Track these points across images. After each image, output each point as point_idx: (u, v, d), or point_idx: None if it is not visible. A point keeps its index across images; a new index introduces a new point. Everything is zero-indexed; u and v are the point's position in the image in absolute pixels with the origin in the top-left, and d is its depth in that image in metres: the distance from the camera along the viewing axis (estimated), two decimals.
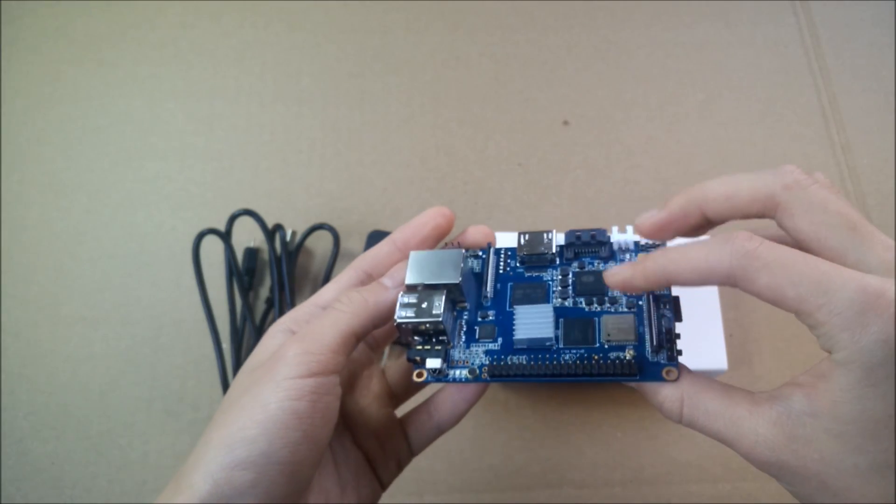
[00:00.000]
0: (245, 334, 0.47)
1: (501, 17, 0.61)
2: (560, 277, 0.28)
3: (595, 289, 0.27)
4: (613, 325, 0.26)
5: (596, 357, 0.26)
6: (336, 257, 0.49)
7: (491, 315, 0.28)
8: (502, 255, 0.30)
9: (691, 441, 0.45)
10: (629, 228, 0.29)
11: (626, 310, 0.27)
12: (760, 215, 0.24)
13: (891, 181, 0.53)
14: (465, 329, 0.28)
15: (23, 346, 0.48)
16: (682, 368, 0.25)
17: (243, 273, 0.49)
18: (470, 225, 0.31)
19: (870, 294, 0.20)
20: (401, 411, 0.33)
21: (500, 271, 0.30)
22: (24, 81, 0.58)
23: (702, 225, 0.26)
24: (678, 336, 0.25)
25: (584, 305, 0.27)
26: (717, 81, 0.58)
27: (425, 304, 0.27)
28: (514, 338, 0.27)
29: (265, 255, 0.50)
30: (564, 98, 0.58)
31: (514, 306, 0.28)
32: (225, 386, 0.45)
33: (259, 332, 0.47)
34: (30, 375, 0.47)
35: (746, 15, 0.61)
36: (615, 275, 0.25)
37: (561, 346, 0.26)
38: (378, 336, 0.32)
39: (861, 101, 0.57)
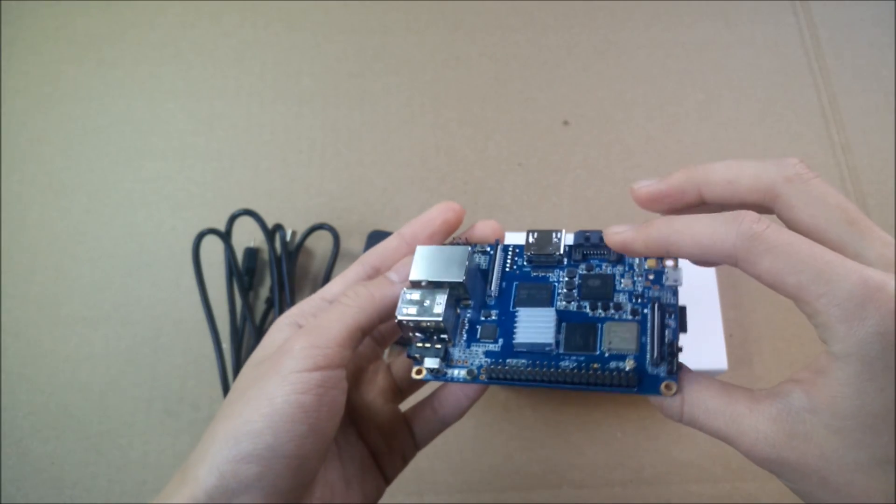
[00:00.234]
0: (245, 334, 0.47)
1: (501, 17, 0.61)
2: (566, 279, 0.28)
3: (601, 293, 0.27)
4: (615, 334, 0.26)
5: (595, 365, 0.25)
6: (336, 257, 0.49)
7: (494, 314, 0.28)
8: (510, 253, 0.30)
9: (691, 441, 0.45)
10: None
11: (630, 317, 0.26)
12: (758, 204, 0.24)
13: (891, 181, 0.53)
14: (467, 327, 0.28)
15: (23, 346, 0.48)
16: (682, 376, 0.25)
17: (243, 273, 0.49)
18: (472, 224, 0.31)
19: (870, 287, 0.20)
20: (405, 405, 0.33)
21: (507, 269, 0.29)
22: (24, 81, 0.58)
23: (696, 204, 0.26)
24: (681, 349, 0.25)
25: (588, 310, 0.27)
26: (717, 81, 0.58)
27: (427, 302, 0.26)
28: (514, 341, 0.26)
29: (265, 255, 0.50)
30: (564, 98, 0.58)
31: (518, 308, 0.28)
32: (225, 386, 0.45)
33: (259, 332, 0.47)
34: (30, 375, 0.47)
35: (746, 15, 0.61)
36: (617, 234, 0.25)
37: (561, 351, 0.26)
38: (384, 331, 0.32)
39: (861, 101, 0.57)
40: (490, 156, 0.55)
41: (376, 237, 0.49)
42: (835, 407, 0.21)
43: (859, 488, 0.21)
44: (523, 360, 0.26)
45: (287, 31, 0.60)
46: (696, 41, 0.60)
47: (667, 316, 0.26)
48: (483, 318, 0.28)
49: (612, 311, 0.27)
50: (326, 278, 0.49)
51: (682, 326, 0.26)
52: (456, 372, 0.27)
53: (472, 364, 0.27)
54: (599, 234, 0.28)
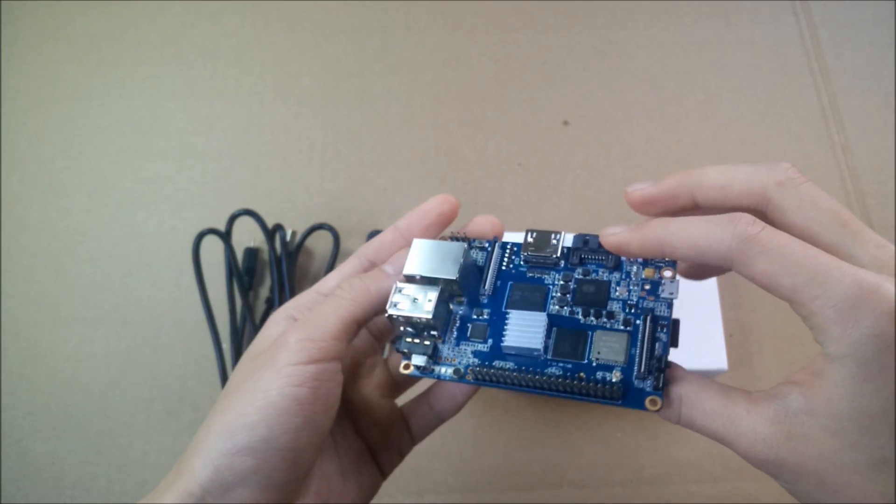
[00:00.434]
0: (245, 334, 0.47)
1: (501, 17, 0.61)
2: (562, 283, 0.28)
3: (595, 300, 0.27)
4: (605, 343, 0.26)
5: (581, 374, 0.25)
6: (336, 257, 0.49)
7: (486, 314, 0.28)
8: (507, 251, 0.30)
9: (691, 441, 0.45)
10: None
11: (621, 327, 0.26)
12: (751, 208, 0.24)
13: (891, 181, 0.53)
14: (458, 324, 0.28)
15: (23, 346, 0.48)
16: (679, 377, 0.25)
17: (243, 273, 0.49)
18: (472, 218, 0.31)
19: (864, 289, 0.20)
20: (401, 400, 0.33)
21: (503, 268, 0.29)
22: (24, 81, 0.58)
23: (689, 208, 0.26)
24: (668, 365, 0.25)
25: (580, 316, 0.27)
26: (717, 81, 0.58)
27: (419, 298, 0.26)
28: (502, 343, 0.26)
29: (265, 255, 0.50)
30: (564, 98, 0.58)
31: (510, 309, 0.27)
32: (225, 386, 0.45)
33: (259, 332, 0.47)
34: (30, 375, 0.47)
35: (746, 15, 0.61)
36: (613, 235, 0.25)
37: (549, 357, 0.26)
38: (381, 325, 0.32)
39: (861, 101, 0.57)
40: (490, 156, 0.55)
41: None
42: (831, 409, 0.21)
43: (857, 489, 0.21)
44: (511, 364, 0.26)
45: (287, 31, 0.60)
46: (696, 41, 0.60)
47: (658, 329, 0.25)
48: (475, 317, 0.28)
49: (605, 319, 0.26)
50: None
51: (674, 341, 0.25)
52: (443, 370, 0.27)
53: (459, 363, 0.27)
54: (598, 239, 0.28)
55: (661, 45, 0.60)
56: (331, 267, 0.49)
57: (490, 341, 0.27)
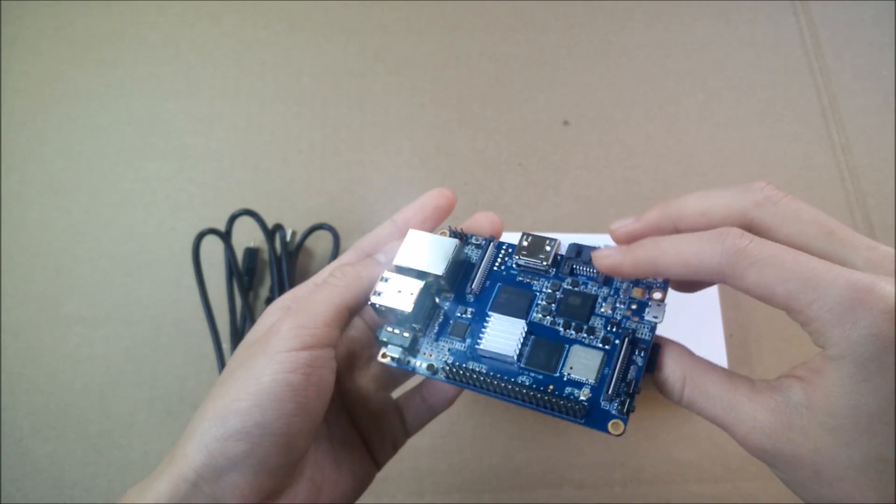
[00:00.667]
0: (245, 334, 0.47)
1: (501, 17, 0.61)
2: (549, 291, 0.28)
3: (578, 313, 0.27)
4: (579, 359, 0.25)
5: (550, 387, 0.25)
6: (336, 257, 0.49)
7: (469, 312, 0.28)
8: (502, 251, 0.29)
9: (691, 441, 0.45)
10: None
11: (599, 344, 0.26)
12: None
13: (891, 181, 0.53)
14: (441, 320, 0.28)
15: (23, 346, 0.48)
16: (685, 355, 0.25)
17: (243, 273, 0.49)
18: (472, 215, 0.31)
19: (859, 290, 0.20)
20: (396, 393, 0.33)
21: (495, 268, 0.29)
22: (24, 81, 0.58)
23: None
24: (638, 390, 0.24)
25: (560, 328, 0.27)
26: (717, 81, 0.58)
27: (402, 290, 0.26)
28: (478, 346, 0.26)
29: (265, 255, 0.50)
30: (564, 98, 0.58)
31: (493, 311, 0.27)
32: None
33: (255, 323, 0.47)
34: (30, 375, 0.47)
35: (746, 15, 0.61)
36: (605, 258, 0.25)
37: (522, 365, 0.26)
38: (377, 317, 0.32)
39: (861, 101, 0.57)
40: (490, 156, 0.55)
41: None
42: (830, 406, 0.21)
43: (852, 484, 0.21)
44: (483, 367, 0.26)
45: (287, 31, 0.60)
46: (696, 41, 0.60)
47: (636, 352, 0.25)
48: (458, 315, 0.28)
49: (584, 334, 0.26)
50: None
51: (650, 366, 0.25)
52: (418, 363, 0.27)
53: (435, 359, 0.27)
54: (591, 250, 0.28)
55: (661, 45, 0.60)
56: None
57: (468, 341, 0.27)
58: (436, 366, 0.27)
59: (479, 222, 0.30)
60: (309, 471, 0.27)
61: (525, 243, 0.28)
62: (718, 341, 0.43)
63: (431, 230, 0.30)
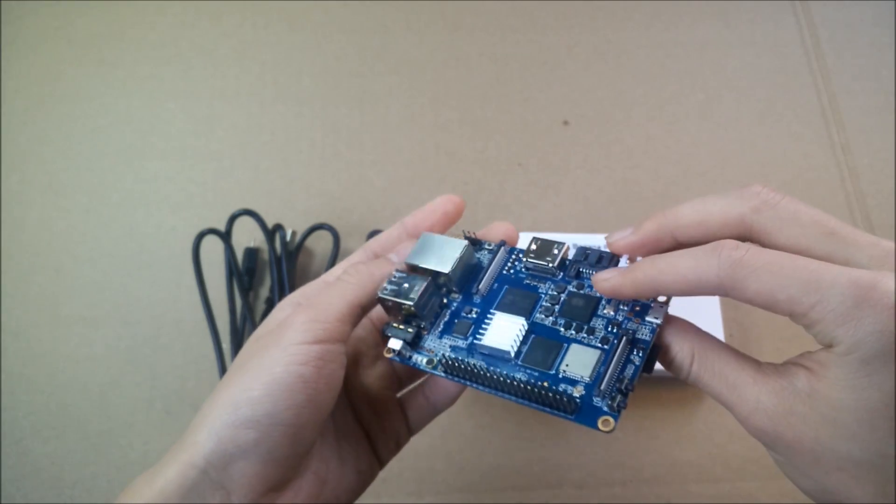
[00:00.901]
0: (245, 334, 0.47)
1: (501, 17, 0.61)
2: (553, 293, 0.28)
3: (579, 314, 0.27)
4: (575, 357, 0.26)
5: (545, 383, 0.25)
6: (336, 257, 0.49)
7: (474, 312, 0.28)
8: (513, 256, 0.30)
9: (691, 441, 0.45)
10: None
11: (598, 344, 0.26)
12: (735, 237, 0.24)
13: (891, 181, 0.53)
14: (447, 318, 0.28)
15: (23, 346, 0.48)
16: (692, 331, 0.25)
17: (243, 273, 0.49)
18: (473, 229, 0.31)
19: (862, 287, 0.20)
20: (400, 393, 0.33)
21: (504, 272, 0.30)
22: (24, 81, 0.58)
23: (673, 248, 0.26)
24: (632, 389, 0.24)
25: (561, 328, 0.27)
26: (717, 81, 0.58)
27: (408, 285, 0.27)
28: (478, 342, 0.27)
29: (265, 255, 0.50)
30: (564, 98, 0.58)
31: (496, 311, 0.28)
32: None
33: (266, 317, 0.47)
34: (30, 375, 0.47)
35: (746, 15, 0.61)
36: (605, 280, 0.26)
37: (519, 362, 0.26)
38: (385, 318, 0.33)
39: (861, 101, 0.57)
40: (490, 156, 0.55)
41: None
42: (832, 399, 0.21)
43: (850, 476, 0.21)
44: (480, 362, 0.27)
45: (287, 31, 0.60)
46: (696, 41, 0.60)
47: (634, 352, 0.25)
48: (464, 315, 0.28)
49: (584, 334, 0.26)
50: None
51: (648, 367, 0.25)
52: (419, 359, 0.28)
53: (436, 354, 0.28)
54: (598, 253, 0.28)
55: (661, 45, 0.60)
56: (331, 267, 0.49)
57: (470, 339, 0.28)
58: (434, 360, 0.27)
59: (496, 231, 0.31)
60: (314, 464, 0.28)
61: (534, 246, 0.29)
62: None
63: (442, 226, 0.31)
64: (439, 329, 0.28)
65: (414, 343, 0.28)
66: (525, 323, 0.27)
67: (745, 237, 0.24)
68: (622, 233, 0.27)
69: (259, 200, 0.52)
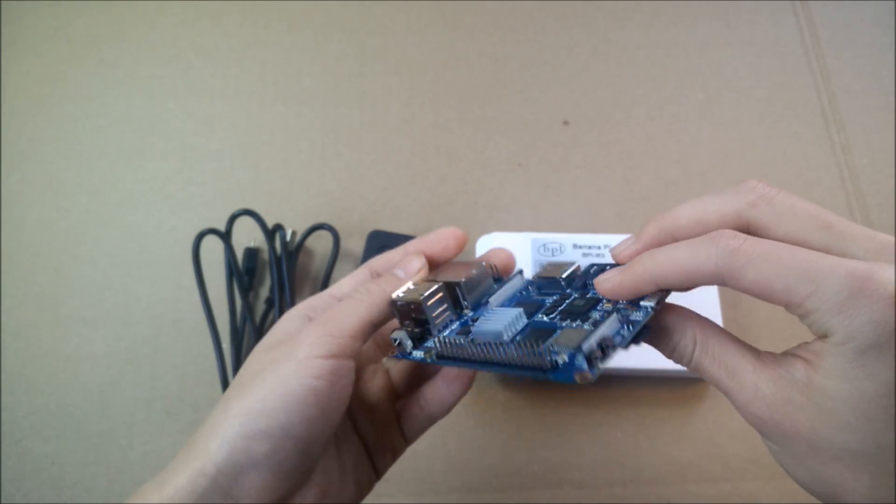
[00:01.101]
0: (245, 334, 0.47)
1: (501, 17, 0.61)
2: (557, 298, 0.29)
3: (578, 310, 0.27)
4: (565, 334, 0.25)
5: (530, 345, 0.25)
6: (336, 257, 0.49)
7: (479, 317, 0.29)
8: (528, 285, 0.31)
9: (691, 441, 0.45)
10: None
11: (589, 327, 0.26)
12: None
13: (891, 181, 0.53)
14: (454, 326, 0.29)
15: (23, 346, 0.48)
16: (695, 318, 0.25)
17: (243, 273, 0.49)
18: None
19: (858, 278, 0.20)
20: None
21: (518, 293, 0.31)
22: (24, 81, 0.58)
23: None
24: (613, 351, 0.24)
25: (557, 321, 0.27)
26: (717, 81, 0.58)
27: (420, 291, 0.28)
28: (472, 328, 0.27)
29: (265, 255, 0.50)
30: (564, 98, 0.58)
31: (497, 307, 0.29)
32: (225, 386, 0.45)
33: (259, 331, 0.47)
34: (30, 375, 0.47)
35: (746, 15, 0.61)
36: (605, 281, 0.26)
37: (509, 340, 0.26)
38: (386, 336, 0.33)
39: (861, 101, 0.57)
40: (490, 156, 0.55)
41: (376, 237, 0.49)
42: (829, 389, 0.21)
43: (846, 467, 0.21)
44: (471, 338, 0.27)
45: (287, 31, 0.60)
46: (696, 41, 0.60)
47: (624, 326, 0.25)
48: (472, 323, 0.29)
49: (579, 321, 0.27)
50: (326, 278, 0.49)
51: (636, 340, 0.25)
52: (418, 353, 0.28)
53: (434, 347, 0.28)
54: (605, 267, 0.29)
55: (661, 45, 0.60)
56: (331, 267, 0.49)
57: (467, 326, 0.28)
58: (432, 352, 0.28)
59: (495, 257, 0.32)
60: (318, 477, 0.28)
61: (545, 269, 0.30)
62: None
63: (439, 265, 0.32)
64: (444, 333, 0.29)
65: (418, 341, 0.29)
66: (522, 312, 0.27)
67: (743, 232, 0.24)
68: (624, 243, 0.27)
69: (259, 200, 0.52)
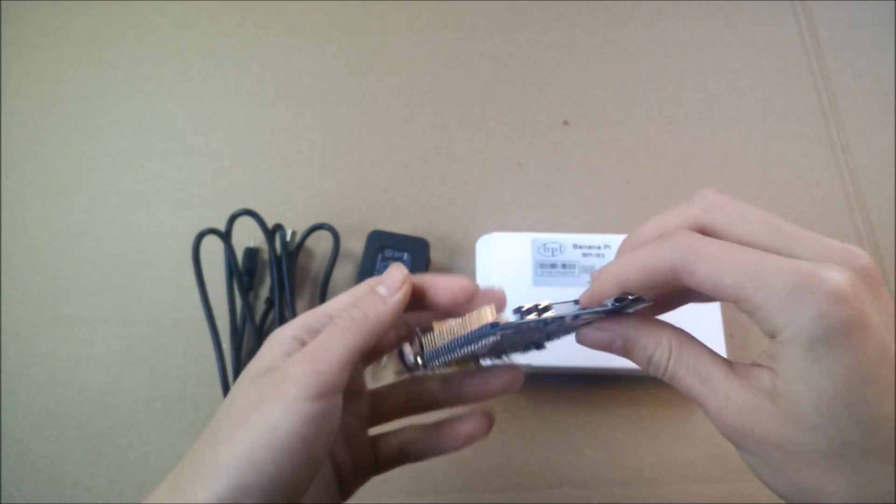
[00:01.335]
0: (245, 334, 0.47)
1: (501, 17, 0.61)
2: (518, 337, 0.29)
3: (561, 327, 0.28)
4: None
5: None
6: (336, 257, 0.49)
7: None
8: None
9: (691, 441, 0.45)
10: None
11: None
12: None
13: (891, 181, 0.53)
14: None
15: (23, 346, 0.48)
16: (674, 332, 0.26)
17: (243, 273, 0.49)
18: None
19: (803, 274, 0.21)
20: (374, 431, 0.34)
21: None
22: (24, 81, 0.58)
23: None
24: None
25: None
26: (717, 81, 0.58)
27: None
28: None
29: (265, 255, 0.50)
30: (564, 98, 0.58)
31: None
32: (225, 385, 0.45)
33: (259, 332, 0.47)
34: (30, 375, 0.47)
35: (746, 15, 0.61)
36: (583, 294, 0.27)
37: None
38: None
39: (861, 101, 0.57)
40: (490, 156, 0.55)
41: (376, 237, 0.49)
42: (789, 392, 0.22)
43: (820, 470, 0.21)
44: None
45: (287, 31, 0.60)
46: (696, 41, 0.60)
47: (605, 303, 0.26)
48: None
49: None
50: (326, 278, 0.49)
51: (616, 311, 0.26)
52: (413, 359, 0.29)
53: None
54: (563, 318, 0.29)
55: (661, 45, 0.60)
56: (331, 267, 0.49)
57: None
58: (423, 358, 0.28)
59: (489, 299, 0.30)
60: None
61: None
62: (718, 341, 0.43)
63: (447, 311, 0.31)
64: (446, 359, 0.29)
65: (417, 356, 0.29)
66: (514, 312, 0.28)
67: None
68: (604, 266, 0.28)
69: (259, 200, 0.52)
